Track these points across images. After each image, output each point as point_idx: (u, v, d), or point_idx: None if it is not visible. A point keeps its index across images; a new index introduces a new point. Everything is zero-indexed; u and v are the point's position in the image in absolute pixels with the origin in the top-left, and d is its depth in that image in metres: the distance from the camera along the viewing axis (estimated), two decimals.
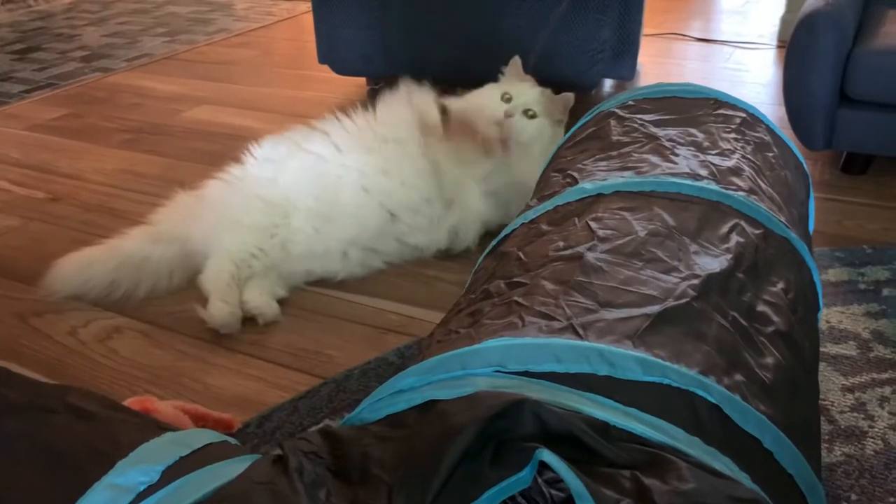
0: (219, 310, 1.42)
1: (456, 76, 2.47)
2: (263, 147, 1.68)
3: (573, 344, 0.61)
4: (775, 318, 0.75)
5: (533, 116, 1.66)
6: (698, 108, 1.14)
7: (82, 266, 1.53)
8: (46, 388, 0.65)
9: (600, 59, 2.30)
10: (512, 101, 1.67)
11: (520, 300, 0.70)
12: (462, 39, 2.40)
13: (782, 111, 2.03)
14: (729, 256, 0.78)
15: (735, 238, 0.82)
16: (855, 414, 1.16)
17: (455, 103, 1.74)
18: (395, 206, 1.60)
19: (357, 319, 1.47)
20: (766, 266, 0.82)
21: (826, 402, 1.18)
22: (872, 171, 1.96)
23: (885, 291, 1.46)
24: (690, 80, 2.73)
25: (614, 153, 1.02)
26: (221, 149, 2.28)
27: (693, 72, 2.83)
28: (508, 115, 1.64)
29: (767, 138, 1.12)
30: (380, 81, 2.74)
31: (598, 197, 0.89)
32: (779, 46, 3.09)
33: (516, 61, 1.79)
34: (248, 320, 1.46)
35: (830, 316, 1.40)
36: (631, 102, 1.18)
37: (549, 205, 0.92)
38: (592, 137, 1.12)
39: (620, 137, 1.06)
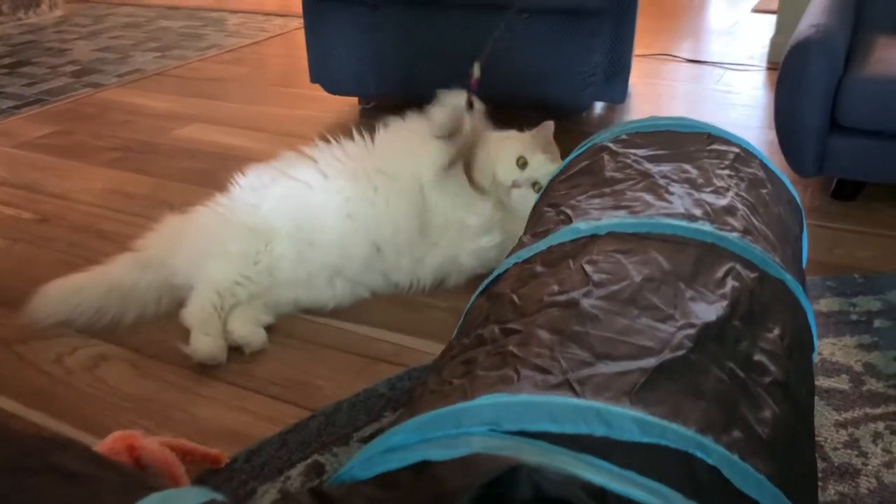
0: (202, 343, 1.41)
1: None
2: (249, 175, 1.67)
3: (570, 403, 0.60)
4: (772, 368, 0.74)
5: (540, 190, 1.62)
6: (692, 144, 1.13)
7: (69, 293, 1.51)
8: (28, 445, 0.63)
9: (592, 83, 2.31)
10: (526, 167, 1.63)
11: (514, 350, 0.69)
12: (454, 60, 2.38)
13: (773, 135, 2.03)
14: (725, 303, 0.78)
15: (731, 283, 0.82)
16: (848, 451, 1.15)
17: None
18: (380, 239, 1.58)
19: (347, 348, 1.46)
20: (762, 311, 0.82)
21: (819, 439, 1.17)
22: (863, 198, 1.96)
23: (877, 322, 1.46)
24: (681, 101, 2.75)
25: (608, 190, 1.01)
26: (211, 168, 2.26)
27: (684, 94, 2.84)
28: (516, 185, 1.62)
29: (761, 174, 1.11)
30: (371, 100, 2.74)
31: (593, 238, 0.88)
32: (768, 68, 3.11)
33: (549, 126, 1.72)
34: (236, 349, 1.44)
35: (823, 348, 1.39)
36: (624, 136, 1.17)
37: (542, 244, 0.91)
38: (586, 172, 1.11)
39: (614, 173, 1.05)
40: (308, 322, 1.54)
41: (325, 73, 2.57)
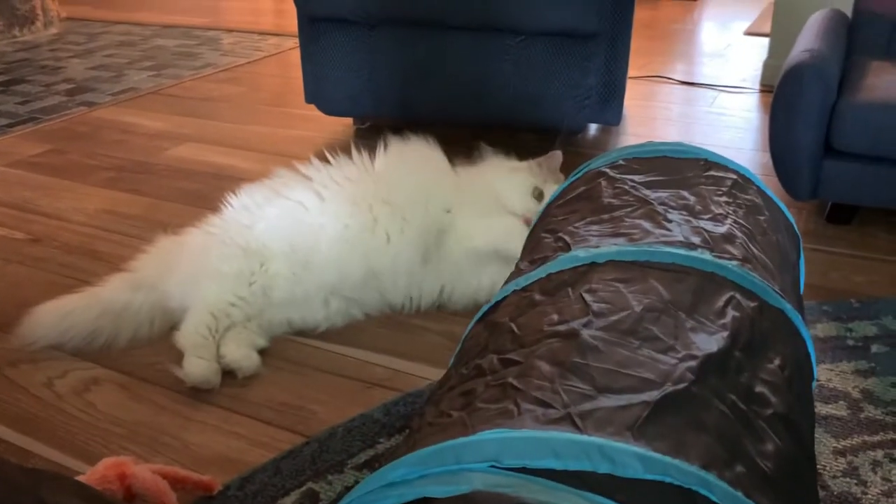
0: (195, 366, 1.39)
1: (444, 119, 2.48)
2: (241, 195, 1.66)
3: (572, 438, 0.59)
4: (773, 399, 0.74)
5: (541, 196, 1.64)
6: (689, 170, 1.13)
7: (61, 315, 1.49)
8: (18, 481, 0.62)
9: (587, 105, 2.32)
10: (541, 200, 1.62)
11: (514, 383, 0.68)
12: (450, 82, 2.40)
13: (766, 157, 2.04)
14: (725, 334, 0.77)
15: (731, 313, 0.81)
16: (847, 479, 1.14)
17: (481, 175, 1.71)
18: (378, 267, 1.57)
19: (341, 372, 1.44)
20: (762, 342, 0.81)
21: (818, 467, 1.16)
22: (857, 222, 1.97)
23: (874, 348, 1.46)
24: (675, 124, 2.76)
25: (606, 216, 1.01)
26: (205, 188, 2.26)
27: (677, 116, 2.85)
28: (530, 216, 1.59)
29: (759, 201, 1.11)
30: (366, 121, 2.74)
31: (592, 266, 0.88)
32: (761, 91, 3.12)
33: (557, 156, 1.73)
34: (228, 373, 1.43)
35: (820, 373, 1.39)
36: (621, 162, 1.17)
37: (541, 272, 0.90)
38: (583, 198, 1.11)
39: (612, 200, 1.05)
40: (301, 345, 1.52)
41: (320, 94, 2.57)
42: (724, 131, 2.66)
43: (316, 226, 1.58)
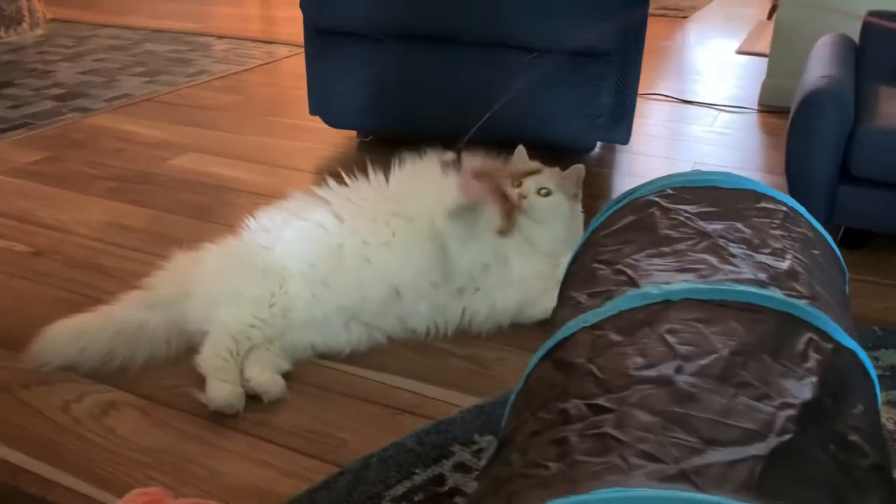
0: (218, 390, 1.35)
1: (450, 134, 2.45)
2: (260, 217, 1.63)
3: (694, 498, 0.56)
4: (867, 448, 0.72)
5: (547, 194, 1.63)
6: (740, 201, 1.12)
7: (75, 335, 1.44)
8: None
9: (598, 124, 2.31)
10: (523, 184, 1.64)
11: (615, 434, 0.66)
12: (459, 98, 2.38)
13: (774, 180, 2.05)
14: (814, 379, 0.75)
15: (813, 356, 0.79)
16: None
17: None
18: (400, 283, 1.54)
19: (368, 397, 1.41)
20: (845, 387, 0.79)
21: None
22: (871, 248, 1.98)
23: None
24: (680, 143, 2.77)
25: (667, 249, 0.99)
26: (210, 201, 2.21)
27: (681, 135, 2.86)
28: (522, 196, 1.62)
29: (811, 235, 1.10)
30: (370, 133, 2.71)
31: (667, 304, 0.85)
32: (759, 111, 3.14)
33: (521, 150, 1.77)
34: (252, 397, 1.38)
35: None
36: (670, 191, 1.15)
37: (610, 308, 0.88)
38: (636, 228, 1.09)
39: (669, 231, 1.03)
40: (325, 369, 1.49)
41: (325, 106, 2.54)
42: (728, 152, 2.67)
43: (335, 246, 1.55)
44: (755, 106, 3.18)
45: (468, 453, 1.26)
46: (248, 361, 1.42)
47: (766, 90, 3.19)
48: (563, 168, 1.73)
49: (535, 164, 1.72)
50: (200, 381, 1.38)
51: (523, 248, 1.62)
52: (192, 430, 1.32)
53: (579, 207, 1.71)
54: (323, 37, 2.44)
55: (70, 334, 1.44)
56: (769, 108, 3.12)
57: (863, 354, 0.89)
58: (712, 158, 2.58)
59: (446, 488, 1.18)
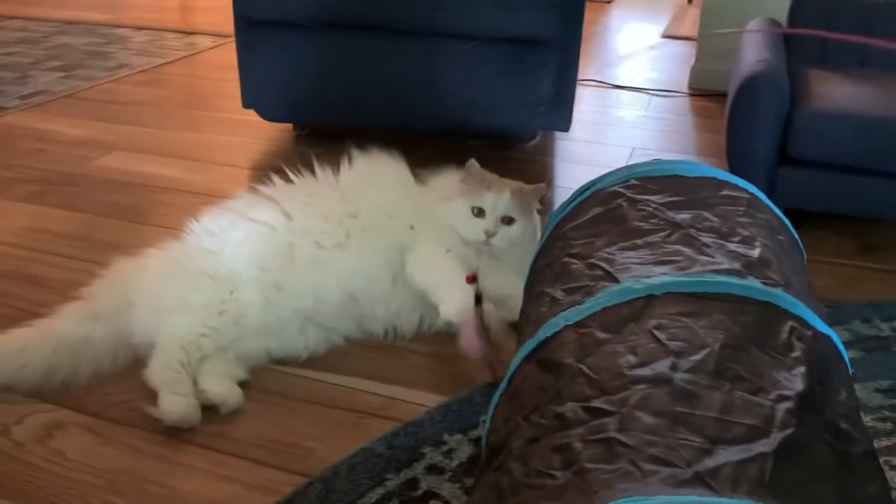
0: (172, 403, 1.29)
1: (391, 126, 2.41)
2: (204, 220, 1.56)
3: (715, 503, 0.55)
4: (856, 435, 0.73)
5: (511, 221, 1.53)
6: (703, 189, 1.12)
7: (13, 352, 1.35)
8: None
9: (540, 112, 2.30)
10: (485, 214, 1.51)
11: (620, 438, 0.64)
12: (399, 88, 2.34)
13: (709, 162, 2.07)
14: (803, 369, 0.76)
15: (797, 345, 0.80)
16: None
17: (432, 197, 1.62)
18: (355, 288, 1.50)
19: (331, 402, 1.37)
20: (827, 373, 0.80)
21: None
22: (808, 227, 2.03)
23: (850, 353, 1.50)
24: (618, 128, 2.79)
25: (640, 241, 0.98)
26: (144, 203, 2.11)
27: (618, 120, 2.89)
28: (490, 235, 1.51)
29: (774, 221, 1.12)
30: (306, 127, 2.64)
31: (650, 299, 0.85)
32: (690, 94, 3.20)
33: (473, 165, 1.56)
34: (208, 408, 1.32)
35: None
36: (634, 182, 1.15)
37: (593, 305, 0.87)
38: (605, 220, 1.08)
39: (639, 223, 1.03)
40: (284, 375, 1.44)
41: (259, 99, 2.46)
42: (666, 136, 2.71)
43: (285, 246, 1.50)
44: (685, 89, 3.24)
45: (439, 454, 1.24)
46: (201, 372, 1.36)
47: (696, 74, 3.26)
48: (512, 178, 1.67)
49: (492, 177, 1.59)
50: (151, 394, 1.31)
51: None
52: (148, 448, 1.25)
53: (538, 220, 1.62)
54: (255, 27, 2.35)
55: (7, 351, 1.35)
56: (700, 91, 3.19)
57: (837, 339, 0.91)
58: (650, 143, 2.62)
59: (420, 492, 1.16)
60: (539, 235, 1.57)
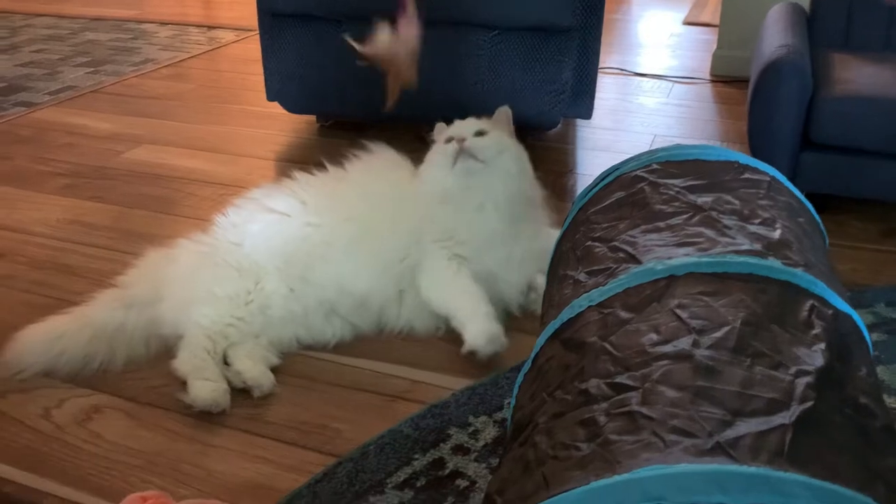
0: (201, 389, 1.32)
1: (413, 116, 2.43)
2: (230, 212, 1.60)
3: (735, 471, 0.57)
4: (877, 411, 0.74)
5: (482, 133, 1.56)
6: (725, 173, 1.14)
7: (51, 339, 1.40)
8: None
9: (561, 100, 2.31)
10: (451, 138, 1.57)
11: (643, 411, 0.66)
12: (421, 79, 2.35)
13: (731, 148, 2.07)
14: (822, 345, 0.77)
15: (818, 323, 0.81)
16: None
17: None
18: (360, 288, 1.51)
19: (359, 386, 1.40)
20: (847, 350, 0.82)
21: None
22: (831, 212, 2.03)
23: (874, 336, 1.51)
24: (639, 116, 2.79)
25: (662, 224, 1.00)
26: (172, 194, 2.16)
27: (638, 108, 2.88)
28: (460, 139, 1.53)
29: (795, 203, 1.13)
30: (329, 119, 2.67)
31: (672, 279, 0.87)
32: (712, 81, 3.19)
33: (440, 125, 1.68)
34: (240, 393, 1.36)
35: None
36: (656, 166, 1.16)
37: (616, 286, 0.89)
38: (627, 204, 1.10)
39: (662, 207, 1.04)
40: (312, 360, 1.47)
41: (283, 91, 2.49)
42: (688, 123, 2.71)
43: (304, 237, 1.52)
44: (707, 76, 3.23)
45: (465, 435, 1.26)
46: (237, 355, 1.40)
47: (718, 60, 3.24)
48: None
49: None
50: (184, 381, 1.35)
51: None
52: (183, 430, 1.29)
53: (521, 147, 1.63)
54: (279, 20, 2.38)
55: (46, 339, 1.40)
56: (721, 77, 3.18)
57: (858, 319, 0.92)
58: (672, 130, 2.62)
59: (447, 471, 1.19)
60: (523, 153, 1.63)
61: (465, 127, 1.60)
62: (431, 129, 1.72)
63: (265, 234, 1.53)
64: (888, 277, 1.75)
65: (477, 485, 1.16)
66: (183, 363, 1.37)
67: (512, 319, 1.55)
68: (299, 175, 1.65)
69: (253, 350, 1.41)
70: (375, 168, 1.67)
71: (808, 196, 2.02)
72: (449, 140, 1.57)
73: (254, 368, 1.36)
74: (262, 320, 1.46)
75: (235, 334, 1.42)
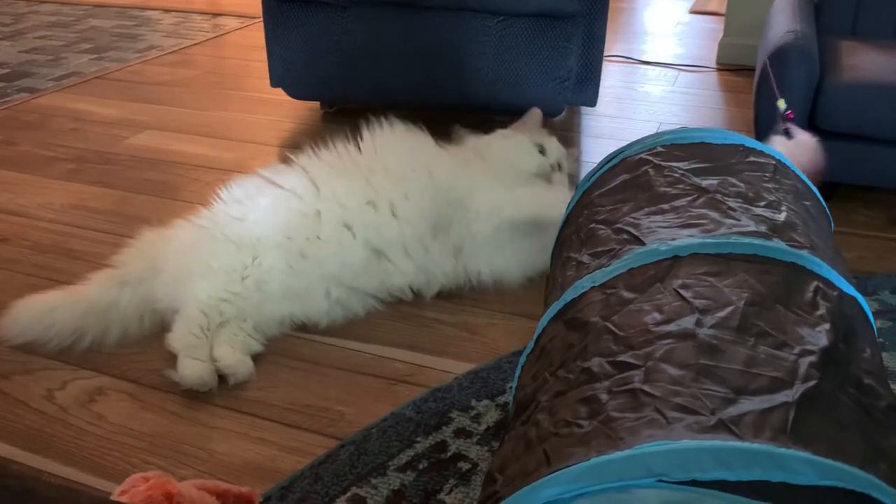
0: (189, 368, 1.32)
1: (417, 102, 2.43)
2: (232, 187, 1.59)
3: (738, 447, 0.57)
4: (881, 391, 0.74)
5: (560, 169, 1.80)
6: (730, 156, 1.13)
7: (43, 311, 1.40)
8: (47, 498, 0.54)
9: (566, 87, 2.30)
10: (545, 154, 1.76)
11: (646, 388, 0.66)
12: (426, 65, 2.35)
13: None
14: (827, 326, 0.77)
15: (822, 303, 0.81)
16: None
17: (482, 143, 1.78)
18: (384, 242, 1.53)
19: (361, 369, 1.40)
20: (852, 332, 0.81)
21: None
22: (838, 199, 2.02)
23: (878, 323, 1.50)
24: (645, 104, 2.78)
25: (666, 206, 1.00)
26: (176, 179, 2.15)
27: (644, 96, 2.87)
28: (553, 170, 1.76)
29: (800, 187, 1.12)
30: (334, 105, 2.66)
31: (675, 259, 0.86)
32: (718, 69, 3.17)
33: (536, 111, 1.91)
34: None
35: None
36: (661, 149, 1.16)
37: (619, 267, 0.88)
38: (632, 186, 1.09)
39: (667, 189, 1.04)
40: (316, 343, 1.47)
41: (287, 78, 2.48)
42: (693, 111, 2.70)
43: (311, 214, 1.52)
44: (713, 65, 3.21)
45: (467, 419, 1.26)
46: (217, 340, 1.38)
47: (724, 49, 3.22)
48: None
49: (544, 132, 1.88)
50: (175, 360, 1.35)
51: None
52: (185, 412, 1.29)
53: None
54: (283, 5, 2.37)
55: (38, 311, 1.40)
56: (728, 66, 3.16)
57: (863, 301, 0.91)
58: (677, 118, 2.60)
59: (449, 454, 1.19)
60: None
61: (557, 152, 1.80)
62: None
63: (272, 209, 1.52)
64: (894, 265, 1.74)
65: (479, 467, 1.16)
66: (176, 339, 1.37)
67: (517, 305, 1.55)
68: (307, 152, 1.65)
69: (234, 336, 1.39)
70: (397, 134, 1.69)
71: (814, 182, 2.03)
72: (541, 149, 1.78)
73: (231, 356, 1.35)
74: (258, 296, 1.44)
75: (230, 310, 1.41)
